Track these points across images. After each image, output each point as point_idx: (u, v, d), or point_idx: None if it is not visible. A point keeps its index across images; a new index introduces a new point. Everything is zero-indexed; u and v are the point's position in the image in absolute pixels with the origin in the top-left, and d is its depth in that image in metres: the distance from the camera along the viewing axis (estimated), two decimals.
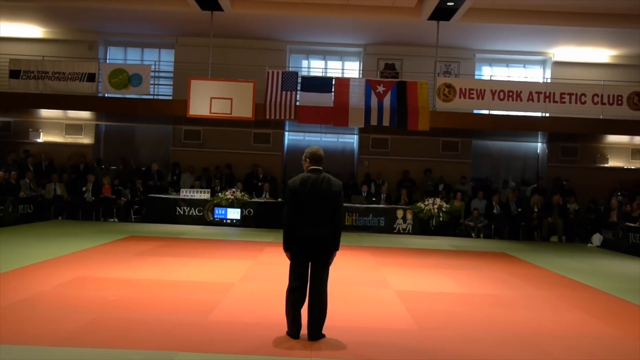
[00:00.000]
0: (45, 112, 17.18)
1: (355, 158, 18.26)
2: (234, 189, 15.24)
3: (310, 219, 4.74)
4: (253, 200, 15.20)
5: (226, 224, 14.86)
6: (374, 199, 15.46)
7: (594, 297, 7.59)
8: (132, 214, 15.61)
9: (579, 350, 5.05)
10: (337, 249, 4.88)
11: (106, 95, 15.71)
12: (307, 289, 4.87)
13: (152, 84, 15.68)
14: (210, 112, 14.49)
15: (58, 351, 4.34)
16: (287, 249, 4.87)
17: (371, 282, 7.86)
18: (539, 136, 17.55)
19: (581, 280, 8.81)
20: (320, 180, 4.81)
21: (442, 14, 14.35)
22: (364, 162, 17.65)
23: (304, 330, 4.95)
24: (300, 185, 4.80)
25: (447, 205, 14.79)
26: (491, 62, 18.10)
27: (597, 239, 14.42)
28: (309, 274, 4.85)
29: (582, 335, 5.58)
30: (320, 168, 4.92)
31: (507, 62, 18.10)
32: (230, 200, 14.86)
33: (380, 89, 14.57)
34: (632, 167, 17.78)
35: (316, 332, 4.88)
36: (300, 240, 4.76)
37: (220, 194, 15.12)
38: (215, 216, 14.79)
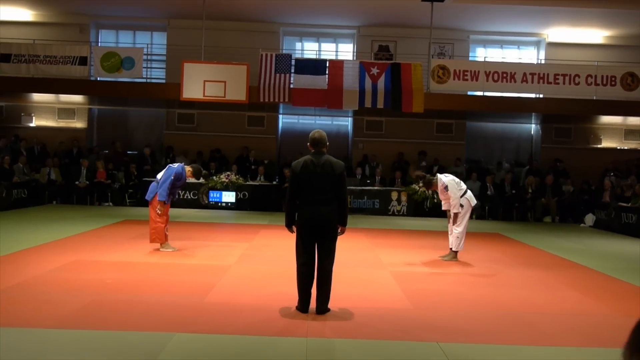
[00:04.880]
0: (37, 97, 17.06)
1: (349, 140, 18.17)
2: (228, 173, 15.15)
3: (314, 200, 4.84)
4: (248, 183, 15.14)
5: (221, 207, 14.83)
6: (368, 181, 15.45)
7: (587, 276, 7.60)
8: (127, 197, 15.57)
9: (573, 327, 5.08)
10: (345, 225, 5.02)
11: (98, 78, 15.60)
12: (316, 264, 4.97)
13: (144, 67, 15.57)
14: (204, 95, 14.39)
15: (55, 333, 4.35)
16: (288, 225, 5.01)
17: (366, 263, 7.86)
18: (533, 117, 17.61)
19: (574, 260, 8.83)
20: (322, 163, 4.88)
21: None
22: (359, 144, 17.68)
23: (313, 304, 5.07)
24: (303, 168, 4.89)
25: None
26: (485, 44, 18.08)
27: (589, 219, 14.47)
28: (315, 252, 4.95)
29: (576, 313, 5.61)
30: (322, 151, 4.99)
31: (501, 44, 18.10)
32: (225, 183, 14.79)
33: (374, 71, 14.53)
34: (625, 148, 17.79)
35: (323, 305, 5.02)
36: (306, 219, 4.87)
37: (215, 176, 15.01)
38: (210, 199, 14.78)
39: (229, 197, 14.92)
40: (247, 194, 15.07)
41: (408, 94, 14.39)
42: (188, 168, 8.03)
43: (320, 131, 5.13)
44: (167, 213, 7.97)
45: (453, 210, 7.83)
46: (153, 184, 7.96)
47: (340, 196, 4.92)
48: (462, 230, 7.92)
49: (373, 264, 7.90)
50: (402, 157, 16.94)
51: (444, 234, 10.21)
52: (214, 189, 14.86)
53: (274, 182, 15.60)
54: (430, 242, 10.00)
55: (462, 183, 8.04)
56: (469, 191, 8.05)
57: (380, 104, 14.54)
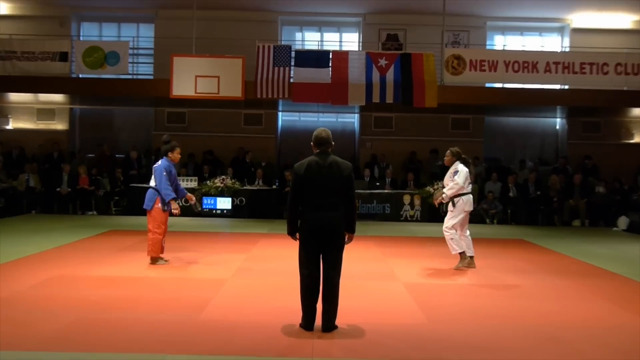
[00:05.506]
0: (14, 96, 17.01)
1: (356, 139, 17.93)
2: (223, 177, 15.02)
3: (320, 205, 4.88)
4: (245, 188, 15.01)
5: (216, 215, 14.69)
6: (377, 183, 15.29)
7: (621, 286, 7.52)
8: (113, 205, 15.48)
9: (606, 342, 5.03)
10: (353, 232, 5.06)
11: (80, 75, 15.50)
12: (321, 276, 4.99)
13: (130, 63, 15.46)
14: (196, 92, 14.32)
15: (35, 356, 4.30)
16: (290, 232, 5.06)
17: (377, 275, 7.83)
18: (558, 111, 17.41)
19: (607, 268, 8.73)
20: (327, 165, 4.92)
21: None
22: (366, 143, 17.47)
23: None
24: (307, 170, 4.92)
25: None
26: (504, 31, 17.93)
27: (623, 222, 14.27)
28: (321, 261, 4.97)
29: (609, 326, 5.55)
30: (328, 151, 5.03)
31: (521, 30, 17.93)
32: (219, 188, 14.70)
33: (383, 62, 14.42)
34: None
35: (330, 322, 5.01)
36: (310, 226, 4.89)
37: (209, 181, 14.85)
38: (204, 206, 14.68)
39: (224, 203, 14.76)
40: (244, 199, 14.84)
41: (420, 87, 14.26)
42: (170, 155, 7.95)
43: (325, 129, 5.15)
44: (165, 222, 7.96)
45: (446, 191, 7.91)
46: (150, 192, 7.89)
47: (348, 200, 4.96)
48: (454, 232, 7.93)
49: (384, 275, 7.86)
50: (415, 156, 16.64)
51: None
52: (208, 194, 14.67)
53: (274, 186, 15.48)
54: (447, 250, 9.76)
55: (470, 185, 8.10)
56: (470, 196, 8.09)
57: (389, 99, 14.45)
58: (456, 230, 8.00)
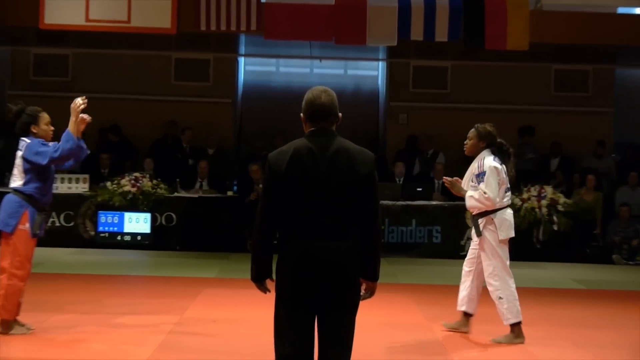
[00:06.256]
0: None
1: (380, 108, 16.29)
2: (137, 174, 13.32)
3: (315, 228, 4.36)
4: (177, 195, 13.25)
5: (123, 245, 13.05)
6: (419, 188, 13.91)
7: None
8: None
9: None
10: (376, 278, 4.52)
11: None
12: None
13: None
14: (88, 20, 13.19)
15: None
16: (257, 277, 4.53)
17: (418, 352, 7.36)
18: None
19: None
20: (330, 155, 4.34)
21: None
22: (399, 115, 15.77)
23: None
24: (291, 164, 4.35)
25: (568, 201, 13.18)
26: None
27: None
28: (314, 333, 4.50)
29: None
30: (330, 130, 4.43)
31: None
32: (130, 196, 13.09)
33: None
34: None
35: None
36: (297, 267, 4.37)
37: (109, 183, 13.27)
38: (101, 228, 13.32)
39: (138, 223, 12.93)
40: (174, 217, 12.96)
41: (497, 14, 13.16)
42: (34, 129, 7.40)
43: (325, 90, 4.41)
44: (31, 257, 7.40)
45: (466, 203, 7.63)
46: (11, 199, 7.29)
47: (367, 220, 4.40)
48: (498, 283, 7.52)
49: (430, 352, 7.36)
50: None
51: (573, 294, 10.13)
52: (108, 207, 12.85)
53: (230, 193, 13.67)
54: (543, 312, 9.21)
55: (508, 194, 7.70)
56: (509, 212, 7.59)
57: (441, 36, 13.20)
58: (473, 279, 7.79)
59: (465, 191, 7.59)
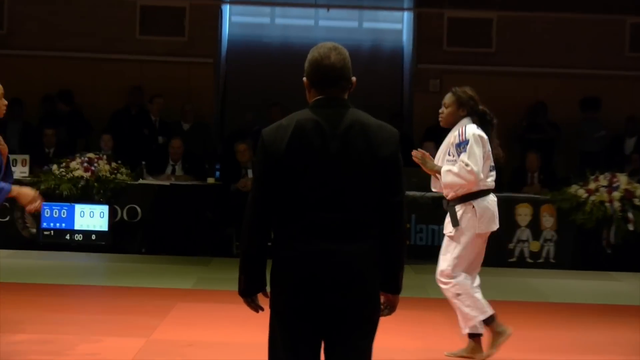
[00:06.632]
0: None
1: (405, 72, 15.46)
2: (91, 155, 13.13)
3: (323, 225, 4.10)
4: (143, 182, 13.09)
5: (73, 245, 12.94)
6: None
7: None
8: None
9: None
10: (398, 290, 4.26)
11: None
12: None
13: None
14: None
15: None
16: (246, 290, 4.25)
17: None
18: None
19: None
20: (343, 130, 4.14)
21: None
22: (429, 81, 15.13)
23: None
24: (292, 142, 4.12)
25: None
26: None
27: None
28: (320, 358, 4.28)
29: None
30: (341, 98, 4.12)
31: None
32: (82, 182, 13.09)
33: None
34: None
35: None
36: (299, 277, 4.13)
37: (55, 166, 13.16)
38: (45, 225, 13.33)
39: (92, 218, 12.84)
40: (138, 210, 12.73)
41: None
42: None
43: (335, 47, 4.12)
44: None
45: (442, 179, 7.48)
46: None
47: (389, 217, 4.18)
48: (462, 279, 7.39)
49: None
50: (543, 112, 14.00)
51: None
52: (53, 196, 12.93)
53: (211, 180, 13.62)
54: (616, 339, 9.06)
55: (492, 174, 7.44)
56: (491, 198, 7.35)
57: None
58: (465, 276, 7.47)
59: (440, 167, 7.42)
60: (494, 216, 7.27)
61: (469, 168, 7.06)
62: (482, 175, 7.10)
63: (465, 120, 7.24)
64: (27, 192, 6.81)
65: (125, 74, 14.39)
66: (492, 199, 7.26)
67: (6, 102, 6.80)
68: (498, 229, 7.97)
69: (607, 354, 7.89)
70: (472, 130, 7.19)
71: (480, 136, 7.08)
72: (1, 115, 6.80)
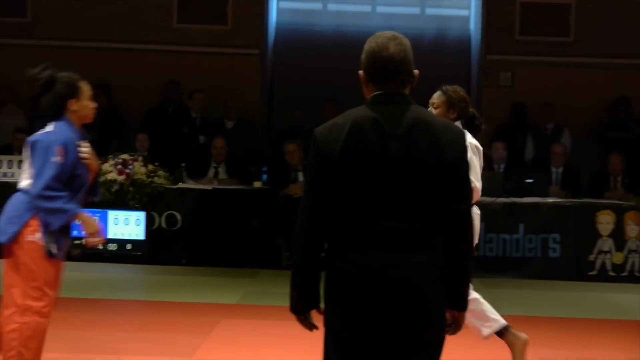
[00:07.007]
0: None
1: (472, 64, 15.20)
2: (124, 156, 12.90)
3: (384, 236, 4.09)
4: (181, 186, 13.52)
5: (106, 255, 13.31)
6: (530, 179, 13.50)
7: None
8: None
9: None
10: (465, 308, 4.28)
11: None
12: None
13: None
14: None
15: None
16: (300, 306, 4.23)
17: None
18: None
19: None
20: (405, 130, 4.11)
21: None
22: (500, 74, 15.79)
23: None
24: (349, 143, 4.13)
25: None
26: None
27: None
28: None
29: None
30: (402, 93, 4.09)
31: None
32: (115, 186, 12.97)
33: None
34: None
35: None
36: (357, 290, 4.11)
37: None
38: (76, 233, 11.52)
39: (127, 226, 12.94)
40: (178, 217, 12.69)
41: None
42: (73, 106, 6.77)
43: (395, 36, 4.03)
44: (54, 285, 6.76)
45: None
46: (19, 201, 6.80)
47: (455, 225, 4.16)
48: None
49: None
50: (628, 106, 13.59)
51: None
52: (85, 203, 13.12)
53: (257, 184, 13.89)
54: None
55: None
56: (476, 210, 7.45)
57: None
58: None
59: None
60: (477, 230, 7.20)
61: (472, 185, 6.79)
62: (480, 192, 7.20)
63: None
64: (92, 223, 6.74)
65: (161, 67, 14.14)
66: (476, 212, 7.12)
67: (95, 105, 6.68)
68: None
69: None
70: (467, 139, 6.83)
71: (477, 147, 7.03)
72: (89, 120, 6.74)
